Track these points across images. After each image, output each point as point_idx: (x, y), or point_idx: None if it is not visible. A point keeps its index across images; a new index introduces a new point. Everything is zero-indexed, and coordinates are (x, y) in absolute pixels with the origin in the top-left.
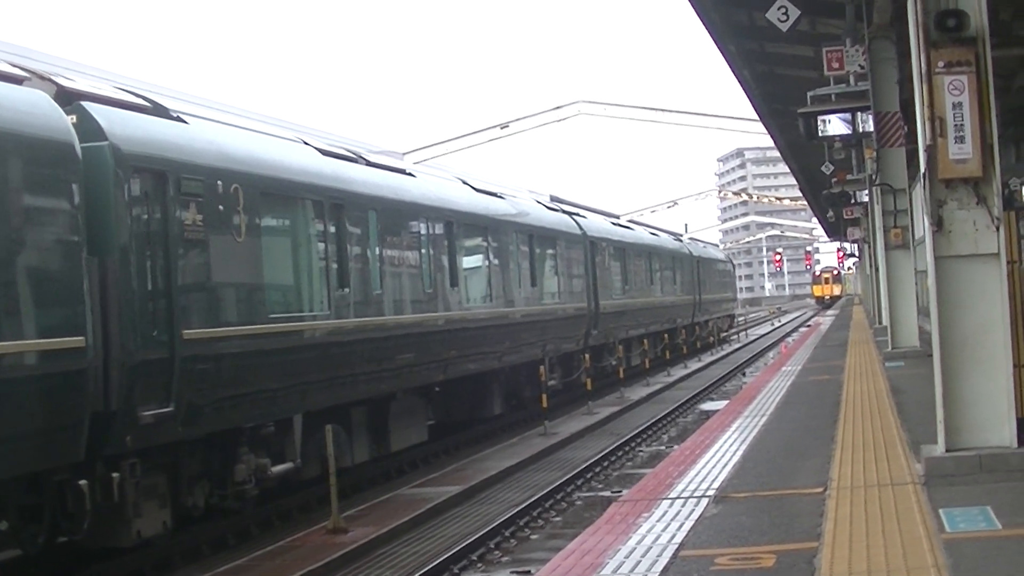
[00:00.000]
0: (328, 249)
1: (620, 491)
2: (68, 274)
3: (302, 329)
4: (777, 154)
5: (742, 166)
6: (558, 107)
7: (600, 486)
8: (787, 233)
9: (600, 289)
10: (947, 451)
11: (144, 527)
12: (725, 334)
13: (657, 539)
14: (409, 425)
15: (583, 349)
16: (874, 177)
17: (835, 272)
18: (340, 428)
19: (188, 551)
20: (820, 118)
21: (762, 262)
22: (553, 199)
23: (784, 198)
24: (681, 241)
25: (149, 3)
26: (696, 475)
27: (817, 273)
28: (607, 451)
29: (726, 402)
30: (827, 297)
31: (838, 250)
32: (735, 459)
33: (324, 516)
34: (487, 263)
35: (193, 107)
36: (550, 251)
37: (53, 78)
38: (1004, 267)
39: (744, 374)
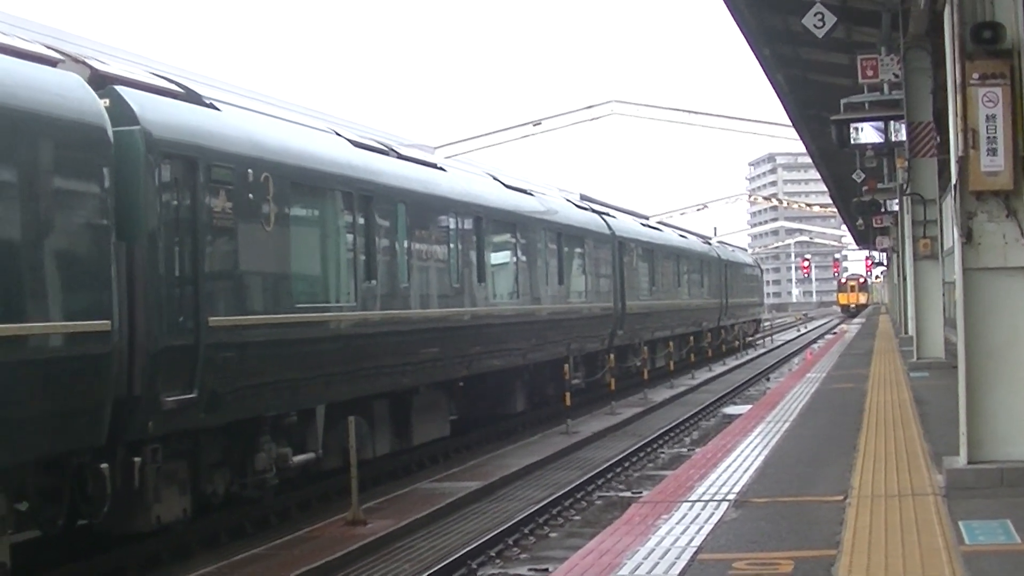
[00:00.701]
0: (356, 241)
1: (640, 492)
2: (96, 258)
3: (328, 320)
4: (808, 160)
5: (773, 171)
6: (590, 106)
7: (620, 486)
8: (816, 240)
9: (627, 289)
10: (969, 463)
11: (163, 513)
12: (751, 339)
13: (676, 542)
14: (431, 419)
15: (608, 349)
16: (905, 187)
17: (861, 280)
18: (362, 420)
19: (206, 538)
20: (853, 126)
21: (790, 268)
22: (583, 198)
23: (814, 204)
24: (710, 244)
25: None
26: (717, 479)
27: (843, 280)
28: (628, 452)
29: (749, 407)
30: (852, 305)
31: (866, 258)
32: (756, 464)
33: (343, 507)
34: (515, 260)
35: (226, 94)
36: (578, 250)
37: (87, 61)
38: None
39: (768, 379)
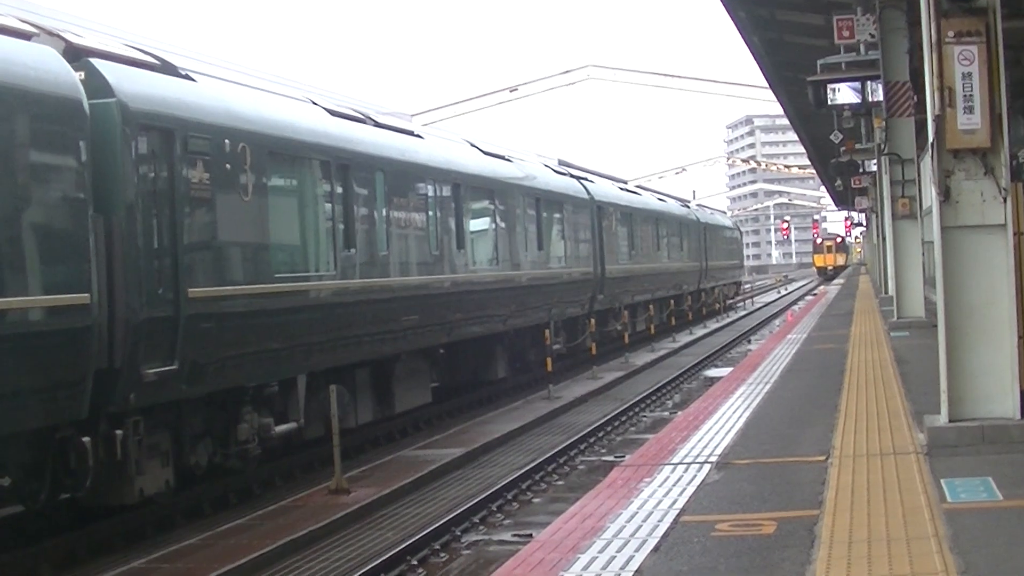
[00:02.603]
0: (335, 209)
1: (623, 456)
2: (74, 231)
3: (307, 289)
4: (786, 122)
5: (751, 133)
6: (567, 71)
7: (603, 450)
8: (795, 201)
9: (606, 254)
10: (950, 421)
11: (146, 485)
12: (731, 301)
13: (658, 504)
14: (413, 387)
15: (588, 314)
16: (883, 147)
17: (839, 239)
18: (344, 389)
19: (190, 510)
20: (830, 86)
21: (769, 230)
22: (561, 163)
23: (792, 166)
24: (689, 207)
25: None
26: (699, 441)
27: (818, 242)
28: (611, 416)
29: (730, 369)
30: (830, 268)
31: (846, 219)
32: (738, 426)
33: (326, 476)
34: (494, 226)
35: (202, 65)
36: (557, 215)
37: (62, 34)
38: (1011, 238)
39: (749, 341)
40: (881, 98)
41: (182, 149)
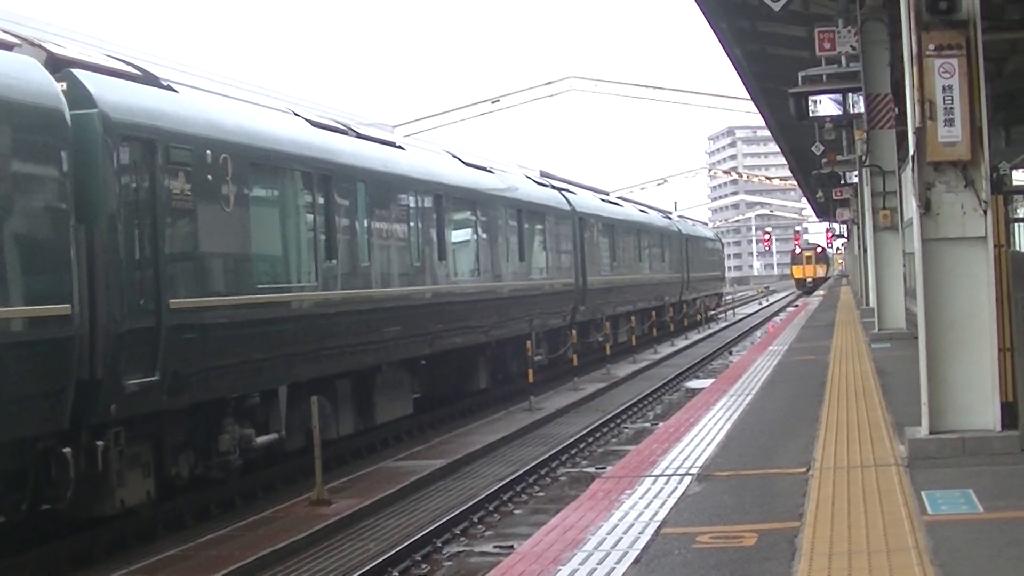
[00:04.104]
0: (316, 220)
1: (604, 467)
2: (55, 241)
3: (289, 300)
4: (768, 133)
5: (732, 144)
6: (549, 82)
7: (584, 462)
8: (776, 212)
9: (588, 265)
10: (931, 433)
11: (128, 496)
12: (713, 313)
13: (639, 516)
14: (394, 398)
15: (570, 325)
16: (864, 158)
17: (819, 250)
18: (325, 400)
19: (171, 521)
20: (811, 98)
21: (751, 241)
22: (543, 174)
23: (774, 177)
24: (670, 219)
25: None
26: (680, 453)
27: (797, 252)
28: (592, 427)
29: (712, 380)
30: (809, 280)
31: (827, 231)
32: (719, 438)
33: (308, 487)
34: (475, 237)
35: (184, 76)
36: (539, 226)
37: (43, 44)
38: (991, 251)
39: (731, 353)
40: (862, 110)
41: (164, 160)
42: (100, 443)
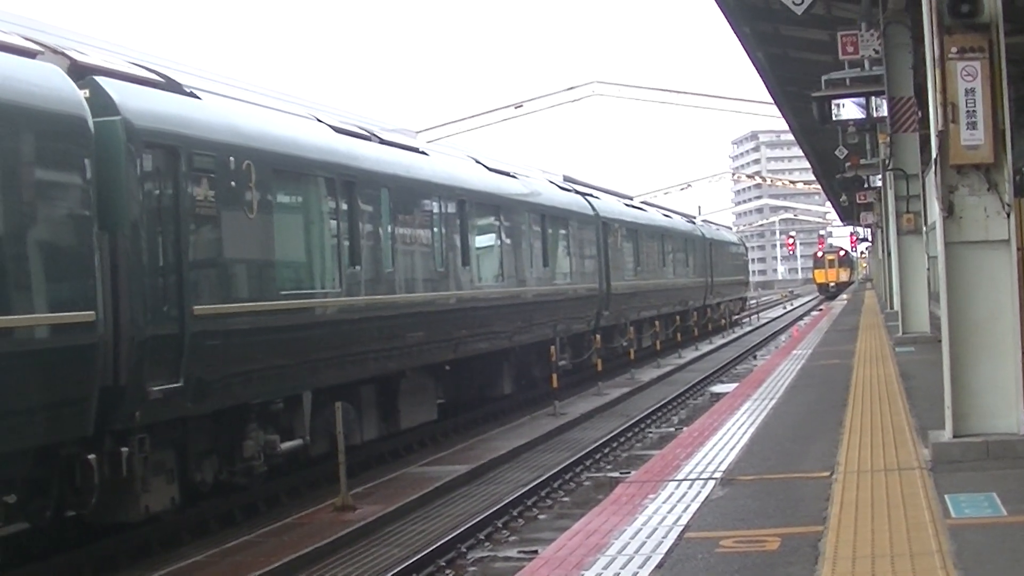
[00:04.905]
0: (340, 226)
1: (628, 472)
2: (79, 249)
3: (313, 306)
4: (791, 137)
5: (756, 149)
6: (572, 88)
7: (608, 467)
8: (800, 217)
9: (612, 270)
10: (954, 437)
11: (152, 502)
12: (737, 317)
13: (663, 521)
14: (418, 404)
15: (594, 330)
16: (887, 162)
17: (841, 253)
18: (349, 405)
19: (196, 526)
20: (834, 102)
21: (775, 245)
22: (566, 179)
23: (798, 182)
24: (694, 223)
25: None
26: (704, 457)
27: (819, 255)
28: (616, 432)
29: (736, 385)
30: (832, 284)
31: (851, 234)
32: (743, 442)
33: (332, 493)
34: (499, 242)
35: (206, 83)
36: (562, 231)
37: (66, 52)
38: (1014, 254)
39: (755, 357)
40: (885, 114)
41: (187, 167)
42: (124, 449)
